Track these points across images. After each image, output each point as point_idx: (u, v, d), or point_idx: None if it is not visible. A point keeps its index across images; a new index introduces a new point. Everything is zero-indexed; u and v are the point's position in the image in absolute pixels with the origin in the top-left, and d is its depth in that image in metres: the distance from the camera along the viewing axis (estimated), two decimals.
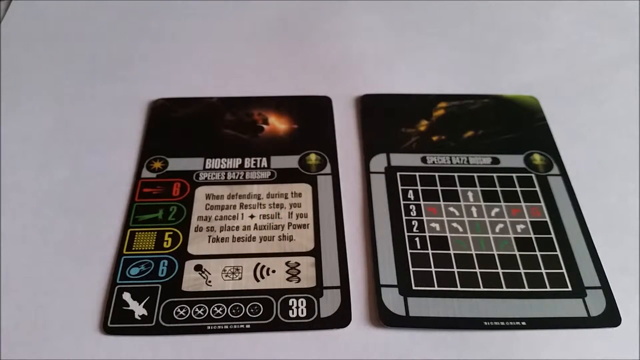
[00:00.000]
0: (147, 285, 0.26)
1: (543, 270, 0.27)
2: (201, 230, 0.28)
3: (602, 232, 0.29)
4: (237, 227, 0.29)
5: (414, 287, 0.26)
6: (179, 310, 0.26)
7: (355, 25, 0.41)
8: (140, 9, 0.41)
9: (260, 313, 0.25)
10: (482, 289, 0.26)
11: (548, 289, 0.26)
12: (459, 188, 0.30)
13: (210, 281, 0.27)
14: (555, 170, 0.31)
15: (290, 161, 0.32)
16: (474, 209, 0.29)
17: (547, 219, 0.29)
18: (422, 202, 0.30)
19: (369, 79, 0.37)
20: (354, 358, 0.25)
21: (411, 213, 0.29)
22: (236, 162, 0.32)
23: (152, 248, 0.28)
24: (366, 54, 0.38)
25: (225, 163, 0.32)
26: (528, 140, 0.33)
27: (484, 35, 0.40)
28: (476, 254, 0.28)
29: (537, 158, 0.32)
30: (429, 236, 0.28)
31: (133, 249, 0.28)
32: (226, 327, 0.25)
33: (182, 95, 0.35)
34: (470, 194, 0.30)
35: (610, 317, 0.26)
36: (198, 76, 0.37)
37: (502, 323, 0.25)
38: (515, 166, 0.31)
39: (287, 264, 0.27)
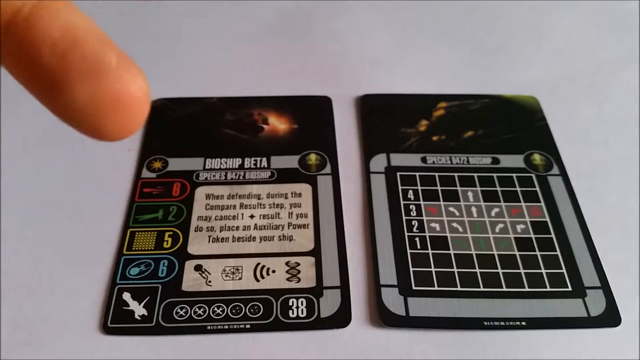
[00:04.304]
0: (147, 285, 0.26)
1: (543, 270, 0.27)
2: (201, 230, 0.28)
3: (602, 232, 0.29)
4: (237, 227, 0.29)
5: (414, 287, 0.26)
6: (179, 310, 0.26)
7: (355, 25, 0.41)
8: (140, 9, 0.41)
9: (260, 313, 0.25)
10: (482, 289, 0.26)
11: (548, 289, 0.26)
12: (459, 188, 0.30)
13: (210, 281, 0.27)
14: (555, 170, 0.31)
15: (290, 161, 0.32)
16: (474, 209, 0.29)
17: (547, 219, 0.29)
18: (422, 202, 0.30)
19: (369, 79, 0.37)
20: (354, 358, 0.25)
21: (411, 213, 0.29)
22: (236, 162, 0.32)
23: (152, 248, 0.28)
24: (366, 54, 0.38)
25: (225, 163, 0.32)
26: (528, 140, 0.33)
27: (484, 35, 0.40)
28: (476, 254, 0.28)
29: (537, 158, 0.32)
30: (429, 236, 0.28)
31: (133, 249, 0.28)
32: (226, 327, 0.25)
33: (182, 95, 0.35)
34: (470, 194, 0.30)
35: (610, 317, 0.25)
36: (198, 76, 0.37)
37: (502, 323, 0.25)
38: (515, 166, 0.31)
39: (287, 264, 0.27)
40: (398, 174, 0.31)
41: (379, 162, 0.32)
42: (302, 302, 0.26)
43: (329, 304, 0.26)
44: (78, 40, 0.11)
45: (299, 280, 0.27)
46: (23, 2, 0.11)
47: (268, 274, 0.27)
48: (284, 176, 0.31)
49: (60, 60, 0.11)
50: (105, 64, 0.11)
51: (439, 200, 0.30)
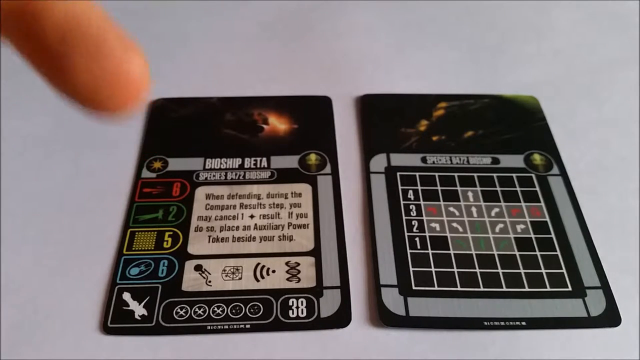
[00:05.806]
0: (147, 285, 0.26)
1: (543, 270, 0.27)
2: (201, 230, 0.28)
3: (602, 232, 0.29)
4: (237, 227, 0.29)
5: (414, 287, 0.26)
6: (179, 310, 0.26)
7: (355, 25, 0.41)
8: (140, 9, 0.41)
9: (260, 313, 0.25)
10: (482, 289, 0.26)
11: (548, 289, 0.26)
12: (459, 188, 0.30)
13: (210, 281, 0.27)
14: (555, 170, 0.31)
15: (290, 161, 0.32)
16: (474, 209, 0.29)
17: (547, 219, 0.29)
18: (422, 202, 0.30)
19: (369, 79, 0.37)
20: (354, 358, 0.25)
21: (411, 213, 0.29)
22: (236, 162, 0.32)
23: (152, 248, 0.28)
24: (366, 54, 0.38)
25: (225, 163, 0.32)
26: (528, 140, 0.33)
27: (484, 35, 0.40)
28: (476, 254, 0.28)
29: (537, 158, 0.32)
30: (429, 236, 0.28)
31: (133, 249, 0.28)
32: (226, 327, 0.25)
33: (182, 95, 0.35)
34: (470, 194, 0.30)
35: (610, 317, 0.26)
36: (198, 76, 0.37)
37: (502, 323, 0.25)
38: (515, 166, 0.31)
39: (287, 264, 0.27)
40: (398, 174, 0.31)
41: (379, 162, 0.32)
42: (302, 302, 0.26)
43: (329, 304, 0.26)
44: (80, 23, 0.12)
45: (299, 280, 0.27)
46: None
47: (268, 274, 0.27)
48: (284, 176, 0.31)
49: (63, 42, 0.12)
50: (106, 45, 0.12)
51: (439, 200, 0.30)
